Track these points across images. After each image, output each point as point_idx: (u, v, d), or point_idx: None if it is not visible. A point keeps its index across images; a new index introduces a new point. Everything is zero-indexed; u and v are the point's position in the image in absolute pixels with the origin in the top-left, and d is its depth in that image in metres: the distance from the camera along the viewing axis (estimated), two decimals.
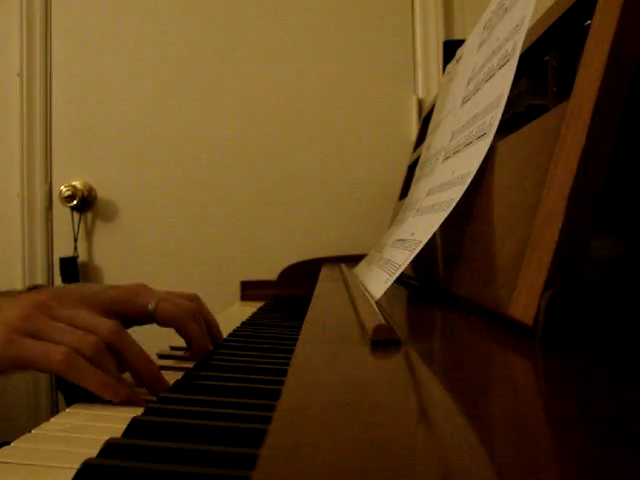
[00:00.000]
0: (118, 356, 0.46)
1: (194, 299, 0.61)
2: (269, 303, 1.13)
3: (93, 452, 0.30)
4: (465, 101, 0.58)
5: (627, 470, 0.16)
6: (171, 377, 0.48)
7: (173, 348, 0.64)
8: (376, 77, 1.43)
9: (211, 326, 0.62)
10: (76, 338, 0.43)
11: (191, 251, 1.44)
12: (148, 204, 1.45)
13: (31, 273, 1.43)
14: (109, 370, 0.44)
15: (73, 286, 0.60)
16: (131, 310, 0.54)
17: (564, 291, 0.30)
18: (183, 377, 0.47)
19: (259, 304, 1.09)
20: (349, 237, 1.38)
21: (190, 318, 0.56)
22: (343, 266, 1.00)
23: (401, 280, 0.74)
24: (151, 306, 0.54)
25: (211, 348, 0.59)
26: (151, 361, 0.47)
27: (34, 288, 0.62)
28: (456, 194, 0.45)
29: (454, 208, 0.44)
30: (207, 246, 1.44)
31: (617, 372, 0.26)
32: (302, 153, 1.44)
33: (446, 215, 0.45)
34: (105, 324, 0.46)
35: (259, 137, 1.44)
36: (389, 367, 0.32)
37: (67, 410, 0.42)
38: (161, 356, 0.61)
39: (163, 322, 0.56)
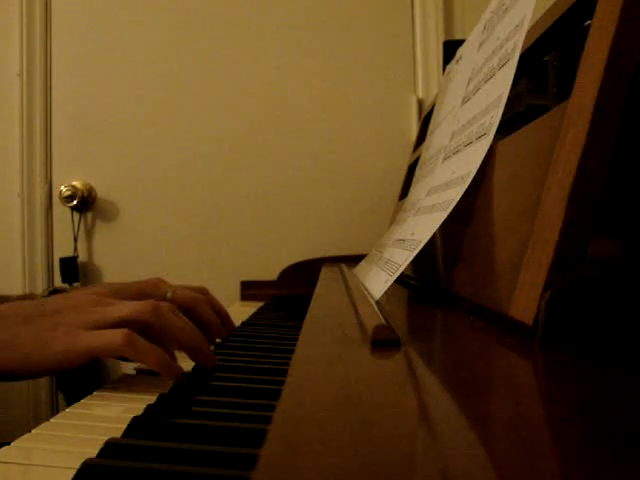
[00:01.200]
0: (165, 330, 0.48)
1: (205, 291, 0.69)
2: (269, 303, 1.13)
3: (93, 452, 0.30)
4: (465, 101, 0.58)
5: (627, 470, 0.16)
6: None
7: None
8: (376, 77, 1.43)
9: (222, 316, 0.68)
10: (133, 307, 0.47)
11: (191, 251, 1.44)
12: (148, 204, 1.45)
13: (31, 273, 1.43)
14: (174, 321, 0.48)
15: (100, 285, 0.66)
16: (151, 298, 0.61)
17: (564, 291, 0.30)
18: (183, 377, 0.47)
19: (259, 304, 1.09)
20: (349, 237, 1.38)
21: (203, 304, 0.63)
22: (343, 266, 1.00)
23: (401, 280, 0.74)
24: (169, 294, 0.62)
25: (224, 335, 0.66)
26: (198, 333, 0.50)
27: (54, 292, 0.65)
28: (456, 194, 0.45)
29: (454, 208, 0.44)
30: (207, 246, 1.44)
31: (617, 372, 0.26)
32: (302, 153, 1.44)
33: (446, 215, 0.45)
34: (145, 304, 0.48)
35: (259, 137, 1.44)
36: (389, 367, 0.32)
37: (67, 410, 0.42)
38: None
39: (179, 308, 0.61)
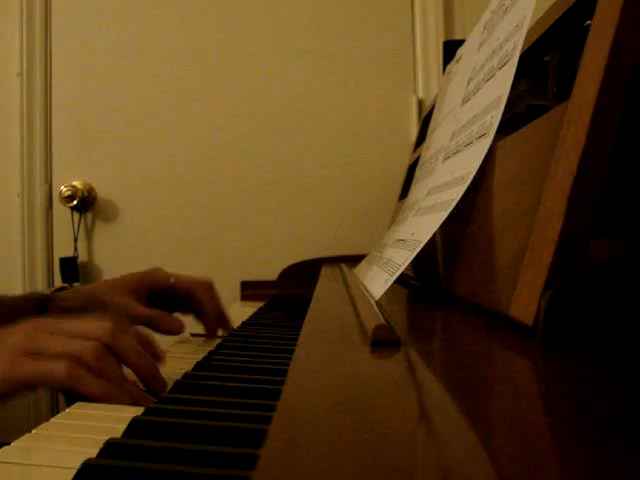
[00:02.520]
0: (117, 355, 0.46)
1: (208, 282, 0.72)
2: (269, 303, 1.13)
3: (93, 452, 0.30)
4: (465, 101, 0.58)
5: (627, 470, 0.16)
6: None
7: (193, 335, 0.71)
8: (376, 77, 1.43)
9: (223, 313, 0.72)
10: (77, 347, 0.44)
11: (191, 251, 1.44)
12: (148, 204, 1.45)
13: (31, 273, 1.43)
14: (112, 372, 0.45)
15: (99, 282, 0.68)
16: (157, 284, 0.66)
17: (564, 291, 0.30)
18: (183, 377, 0.47)
19: (259, 304, 1.09)
20: (349, 237, 1.38)
21: (202, 290, 0.67)
22: (343, 266, 1.00)
23: (401, 280, 0.74)
24: (172, 279, 0.66)
25: (220, 332, 0.69)
26: (149, 359, 0.48)
27: (61, 289, 0.67)
28: (456, 194, 0.45)
29: (454, 208, 0.44)
30: (207, 246, 1.44)
31: (617, 372, 0.26)
32: (302, 153, 1.44)
33: (446, 215, 0.45)
34: (102, 327, 0.46)
35: (259, 137, 1.44)
36: (389, 367, 0.32)
37: (67, 410, 0.42)
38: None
39: (181, 292, 0.67)
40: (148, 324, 0.64)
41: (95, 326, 0.47)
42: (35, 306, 0.67)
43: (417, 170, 0.83)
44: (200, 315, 0.70)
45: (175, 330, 0.65)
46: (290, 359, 0.33)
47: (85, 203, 1.43)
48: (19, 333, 0.45)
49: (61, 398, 1.44)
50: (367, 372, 0.30)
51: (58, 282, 1.42)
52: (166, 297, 0.69)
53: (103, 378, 0.44)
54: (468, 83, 0.60)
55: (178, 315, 0.71)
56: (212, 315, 0.68)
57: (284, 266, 1.34)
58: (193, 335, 0.72)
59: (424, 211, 0.56)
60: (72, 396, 0.45)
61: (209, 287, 0.70)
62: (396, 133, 1.42)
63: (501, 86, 0.45)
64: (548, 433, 0.20)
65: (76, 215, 1.43)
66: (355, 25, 1.44)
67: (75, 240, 1.43)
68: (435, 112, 0.83)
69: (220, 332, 0.72)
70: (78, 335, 0.46)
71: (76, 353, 0.43)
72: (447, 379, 0.28)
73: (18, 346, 0.44)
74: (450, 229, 0.51)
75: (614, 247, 0.40)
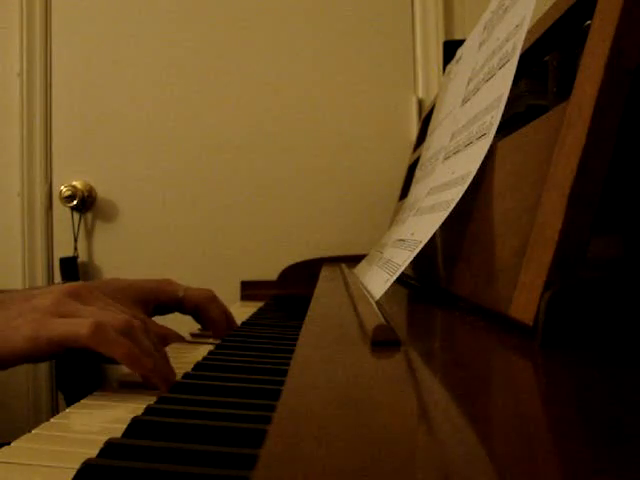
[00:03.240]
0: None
1: (212, 293, 0.72)
2: (269, 303, 1.13)
3: (93, 452, 0.30)
4: (465, 101, 0.58)
5: (627, 470, 0.16)
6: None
7: (193, 335, 0.72)
8: (376, 77, 1.43)
9: (228, 318, 0.72)
10: (107, 317, 0.44)
11: (191, 251, 1.44)
12: (148, 204, 1.44)
13: (31, 273, 1.43)
14: (140, 342, 0.45)
15: (108, 279, 0.69)
16: (164, 297, 0.67)
17: (564, 291, 0.30)
18: (183, 377, 0.47)
19: (259, 304, 1.09)
20: (349, 237, 1.38)
21: (213, 303, 0.68)
22: (343, 266, 1.00)
23: (401, 280, 0.74)
24: (181, 293, 0.66)
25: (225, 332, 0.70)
26: (153, 354, 0.47)
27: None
28: (456, 194, 0.45)
29: (454, 208, 0.44)
30: (207, 246, 1.44)
31: (617, 372, 0.26)
32: (302, 153, 1.44)
33: (446, 215, 0.45)
34: (130, 313, 0.47)
35: (259, 137, 1.44)
36: (389, 367, 0.32)
37: (67, 410, 0.42)
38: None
39: (189, 306, 0.67)
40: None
41: (124, 309, 0.48)
42: None
43: (417, 170, 0.83)
44: (208, 327, 0.71)
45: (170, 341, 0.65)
46: (290, 359, 0.33)
47: (85, 203, 1.43)
48: (51, 297, 0.45)
49: (61, 398, 1.44)
50: (367, 372, 0.30)
51: (58, 282, 1.42)
52: (175, 307, 0.70)
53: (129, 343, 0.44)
54: (468, 83, 0.60)
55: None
56: (222, 326, 0.69)
57: (284, 266, 1.34)
58: (193, 335, 0.72)
59: (424, 211, 0.56)
60: (72, 396, 0.45)
61: (215, 299, 0.71)
62: (396, 133, 1.42)
63: (501, 86, 0.45)
64: (548, 433, 0.20)
65: (76, 215, 1.43)
66: (355, 25, 1.44)
67: (75, 240, 1.43)
68: (435, 112, 0.83)
69: None
70: (108, 309, 0.47)
71: (104, 320, 0.44)
72: (447, 379, 0.28)
73: (48, 308, 0.44)
74: (450, 229, 0.51)
75: (614, 247, 0.40)
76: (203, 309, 0.68)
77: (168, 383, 0.46)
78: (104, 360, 0.46)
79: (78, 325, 0.42)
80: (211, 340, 0.67)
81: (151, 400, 0.40)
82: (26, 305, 0.44)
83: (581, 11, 0.40)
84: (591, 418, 0.20)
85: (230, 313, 0.74)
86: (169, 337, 0.66)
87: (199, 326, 0.75)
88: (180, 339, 0.67)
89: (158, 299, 0.69)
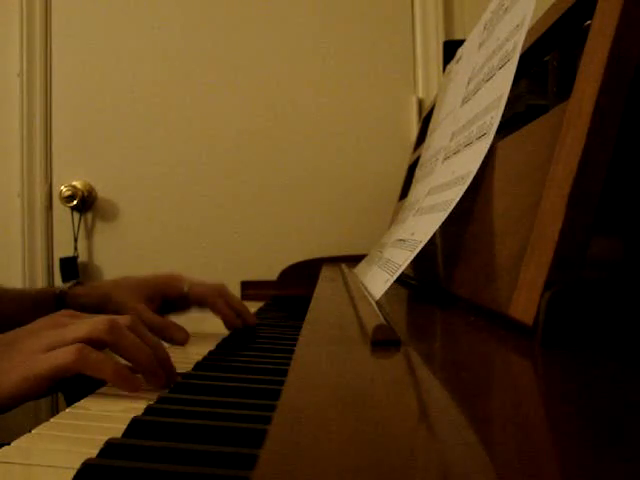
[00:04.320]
0: (115, 348, 0.46)
1: (222, 287, 0.73)
2: (269, 303, 1.13)
3: (93, 452, 0.30)
4: (465, 101, 0.58)
5: (626, 470, 0.16)
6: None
7: None
8: (376, 77, 1.43)
9: (239, 310, 0.72)
10: (85, 330, 0.45)
11: (191, 251, 1.44)
12: (148, 204, 1.44)
13: (31, 273, 1.43)
14: (126, 337, 0.46)
15: (118, 279, 0.72)
16: (171, 293, 0.67)
17: (564, 291, 0.30)
18: (183, 377, 0.47)
19: (259, 304, 1.09)
20: (349, 237, 1.38)
21: (217, 296, 0.68)
22: (343, 266, 1.00)
23: (401, 280, 0.74)
24: (186, 287, 0.66)
25: (239, 326, 0.70)
26: (149, 354, 0.47)
27: (78, 284, 0.73)
28: (456, 194, 0.45)
29: (454, 208, 0.44)
30: (207, 246, 1.44)
31: (617, 372, 0.26)
32: (302, 153, 1.44)
33: (446, 215, 0.45)
34: (101, 320, 0.46)
35: (258, 137, 1.44)
36: (389, 367, 0.32)
37: (67, 410, 0.42)
38: None
39: (195, 301, 0.68)
40: (156, 332, 0.64)
41: (96, 322, 0.47)
42: (53, 300, 0.71)
43: (417, 170, 0.83)
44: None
45: (180, 341, 0.66)
46: (290, 359, 0.33)
47: (85, 203, 1.43)
48: (33, 333, 0.46)
49: (61, 398, 1.44)
50: (367, 372, 0.30)
51: (58, 282, 1.42)
52: (180, 301, 0.71)
53: (118, 351, 0.45)
54: (468, 83, 0.60)
55: (195, 311, 0.73)
56: (231, 319, 0.70)
57: (284, 266, 1.34)
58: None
59: (424, 211, 0.56)
60: (72, 396, 0.45)
61: (222, 292, 0.71)
62: (396, 133, 1.42)
63: (501, 86, 0.45)
64: (548, 433, 0.20)
65: (76, 215, 1.43)
66: (355, 25, 1.44)
67: (75, 240, 1.43)
68: (435, 112, 0.83)
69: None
70: (87, 322, 0.47)
71: (85, 335, 0.44)
72: (447, 379, 0.28)
73: (33, 345, 0.44)
74: (450, 229, 0.51)
75: (614, 247, 0.40)
76: (207, 303, 0.68)
77: (168, 381, 0.46)
78: (98, 383, 0.46)
79: (61, 355, 0.42)
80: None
81: (151, 400, 0.41)
82: (12, 350, 0.44)
83: (581, 11, 0.40)
84: (591, 418, 0.20)
85: (244, 306, 0.74)
86: (169, 328, 0.66)
87: (204, 324, 0.75)
88: (181, 330, 0.67)
89: (163, 294, 0.70)
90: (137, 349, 0.46)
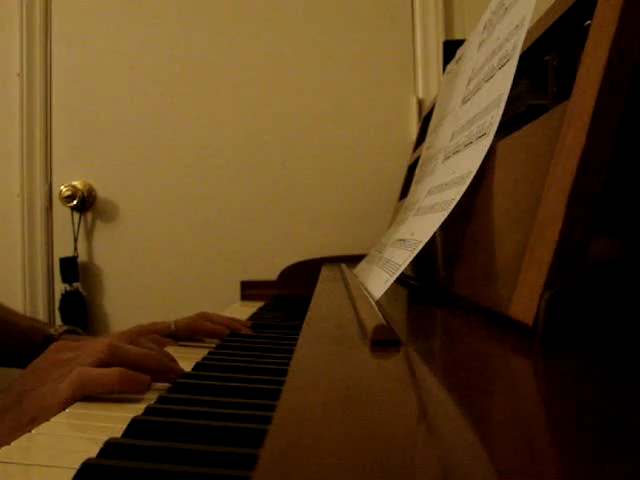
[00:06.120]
0: (122, 361, 0.47)
1: (203, 313, 0.75)
2: (269, 303, 1.13)
3: (93, 452, 0.30)
4: (465, 101, 0.58)
5: (627, 470, 0.16)
6: None
7: None
8: (376, 77, 1.43)
9: (228, 325, 0.74)
10: (89, 358, 0.46)
11: (191, 251, 1.44)
12: (148, 204, 1.44)
13: (31, 273, 1.43)
14: (139, 348, 0.48)
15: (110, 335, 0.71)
16: (159, 331, 0.69)
17: (564, 291, 0.30)
18: (183, 377, 0.47)
19: (259, 304, 1.09)
20: (349, 237, 1.38)
21: (201, 323, 0.71)
22: (343, 266, 1.00)
23: (401, 280, 0.74)
24: (173, 326, 0.70)
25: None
26: (153, 355, 0.48)
27: (69, 331, 0.77)
28: (456, 194, 0.45)
29: (454, 208, 0.44)
30: (207, 246, 1.44)
31: (617, 372, 0.26)
32: (302, 153, 1.44)
33: (446, 215, 0.45)
34: (101, 348, 0.47)
35: (259, 137, 1.44)
36: (389, 367, 0.32)
37: (67, 410, 0.42)
38: None
39: (183, 333, 0.70)
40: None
41: (94, 350, 0.48)
42: (42, 340, 0.74)
43: (417, 170, 0.83)
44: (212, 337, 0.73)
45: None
46: (290, 359, 0.33)
47: (85, 203, 1.43)
48: (39, 379, 0.46)
49: None
50: (367, 372, 0.30)
51: (58, 282, 1.43)
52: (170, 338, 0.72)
53: (126, 367, 0.45)
54: (468, 83, 0.60)
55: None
56: (220, 329, 0.71)
57: (284, 266, 1.34)
58: None
59: (424, 211, 0.56)
60: None
61: (205, 316, 0.73)
62: (396, 133, 1.42)
63: (501, 86, 0.45)
64: (548, 433, 0.20)
65: (76, 215, 1.43)
66: (355, 25, 1.44)
67: (75, 240, 1.43)
68: (435, 112, 0.83)
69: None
70: (88, 347, 0.48)
71: (83, 362, 0.45)
72: (447, 379, 0.28)
73: (43, 390, 0.44)
74: (450, 229, 0.51)
75: (614, 247, 0.40)
76: (197, 329, 0.71)
77: (175, 374, 0.48)
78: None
79: (65, 387, 0.43)
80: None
81: (151, 400, 0.41)
82: (24, 401, 0.44)
83: (581, 11, 0.40)
84: (591, 418, 0.20)
85: (230, 319, 0.75)
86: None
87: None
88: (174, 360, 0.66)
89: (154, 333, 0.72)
90: (143, 357, 0.47)
